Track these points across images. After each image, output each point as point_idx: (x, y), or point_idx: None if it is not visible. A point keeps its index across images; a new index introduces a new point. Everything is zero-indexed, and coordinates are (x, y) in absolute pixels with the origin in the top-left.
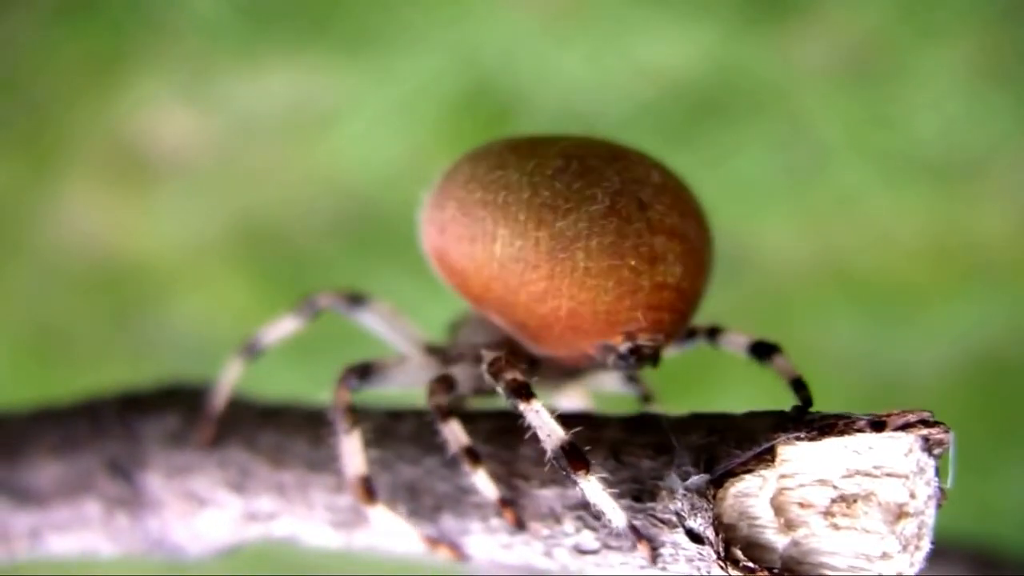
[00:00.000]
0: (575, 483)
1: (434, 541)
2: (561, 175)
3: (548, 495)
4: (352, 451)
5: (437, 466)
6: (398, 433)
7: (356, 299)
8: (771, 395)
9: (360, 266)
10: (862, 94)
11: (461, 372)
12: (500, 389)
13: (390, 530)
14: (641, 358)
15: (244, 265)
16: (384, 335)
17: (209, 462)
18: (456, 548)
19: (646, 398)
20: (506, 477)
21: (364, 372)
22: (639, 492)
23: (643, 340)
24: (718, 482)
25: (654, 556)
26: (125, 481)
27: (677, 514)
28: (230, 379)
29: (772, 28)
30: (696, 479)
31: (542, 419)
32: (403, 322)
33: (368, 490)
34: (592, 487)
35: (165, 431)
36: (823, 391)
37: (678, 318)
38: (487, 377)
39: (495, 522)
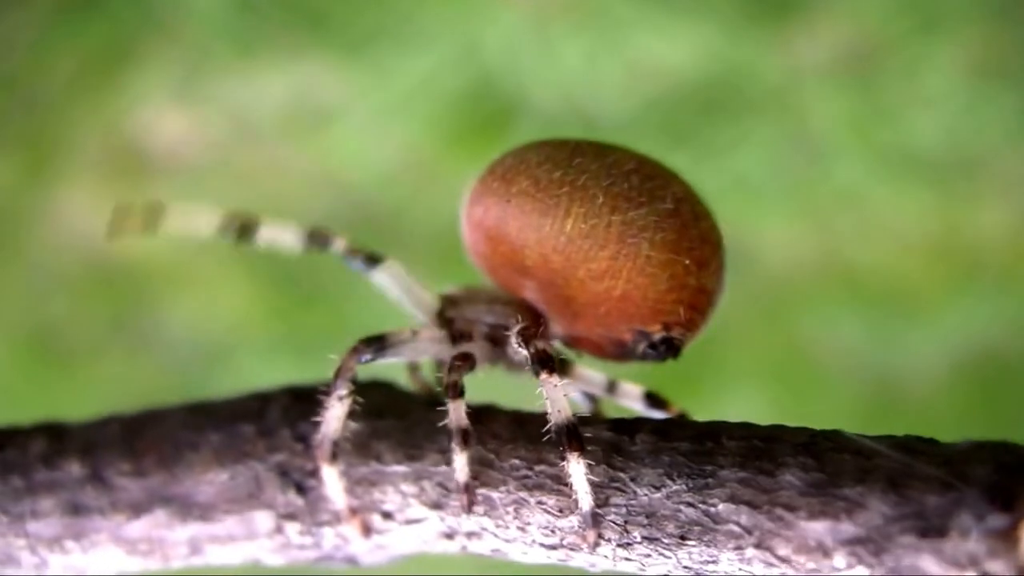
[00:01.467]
0: (566, 459)
1: (354, 511)
2: (635, 174)
3: (817, 528)
4: (338, 416)
5: (682, 490)
6: (631, 452)
7: (372, 259)
8: (769, 395)
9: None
10: (863, 91)
11: (478, 349)
12: (527, 355)
13: (329, 493)
14: (669, 348)
15: (241, 264)
16: (397, 297)
17: (399, 474)
18: (367, 524)
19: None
20: (767, 507)
21: (380, 346)
22: (924, 528)
23: (676, 333)
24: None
25: (595, 545)
26: (297, 492)
27: (971, 557)
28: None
29: (773, 25)
30: (995, 520)
31: (558, 394)
32: (415, 286)
33: (335, 454)
34: (578, 468)
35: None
36: (823, 387)
37: (704, 321)
38: (515, 342)
39: (750, 552)
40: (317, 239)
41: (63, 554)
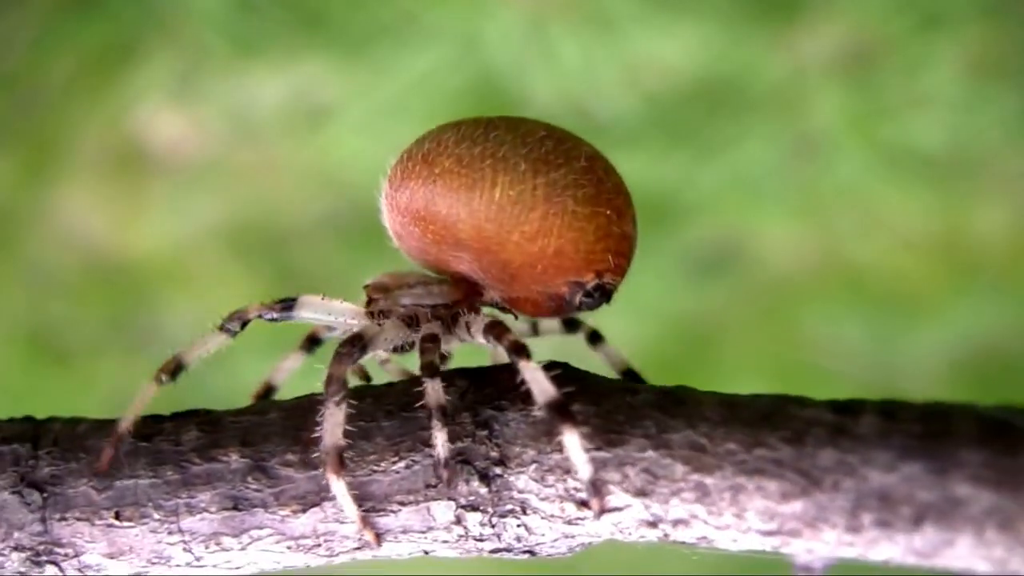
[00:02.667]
0: (560, 434)
1: (364, 520)
2: (548, 140)
3: None
4: (339, 423)
5: (919, 472)
6: (858, 433)
7: (286, 304)
8: (769, 384)
9: (355, 262)
10: (864, 90)
11: (439, 327)
12: (502, 348)
13: (340, 504)
14: (603, 295)
15: (240, 264)
16: (327, 321)
17: (598, 461)
18: (379, 535)
19: (594, 337)
20: (1011, 488)
21: (361, 345)
22: None
23: (607, 279)
24: None
25: (602, 511)
26: (480, 481)
27: None
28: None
29: (774, 24)
30: None
31: (538, 377)
32: (336, 303)
33: (342, 461)
34: (572, 440)
35: (524, 422)
36: (824, 386)
37: (628, 265)
38: (485, 338)
39: (991, 535)
40: (235, 324)
41: (221, 551)
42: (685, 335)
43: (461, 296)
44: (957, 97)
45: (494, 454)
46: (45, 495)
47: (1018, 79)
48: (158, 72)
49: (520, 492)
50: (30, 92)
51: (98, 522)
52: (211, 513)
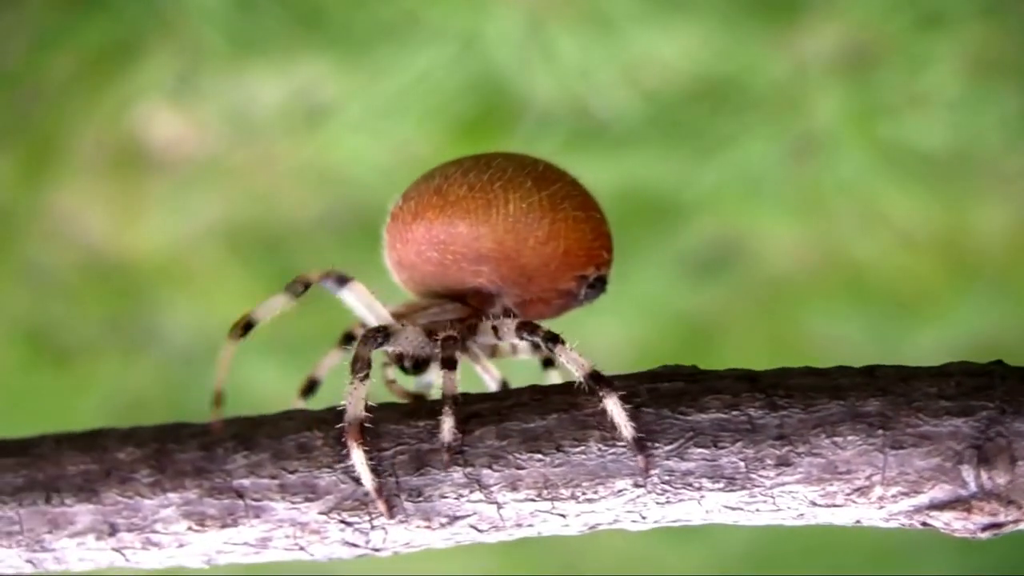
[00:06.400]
0: (602, 399)
1: (379, 491)
2: (539, 163)
3: None
4: (361, 397)
5: None
6: None
7: (341, 279)
8: None
9: (354, 262)
10: (864, 88)
11: (457, 333)
12: (538, 340)
13: (358, 472)
14: (602, 285)
15: (238, 264)
16: (363, 311)
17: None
18: (392, 504)
19: (548, 362)
20: None
21: (385, 335)
22: None
23: (604, 271)
24: None
25: (648, 468)
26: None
27: None
28: (226, 362)
29: (774, 22)
30: None
31: (573, 355)
32: (376, 302)
33: (363, 431)
34: (614, 402)
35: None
36: None
37: (612, 256)
38: (518, 335)
39: None
40: (297, 287)
41: None
42: (685, 334)
43: (471, 311)
44: (958, 96)
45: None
46: None
47: (1019, 78)
48: (157, 71)
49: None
50: (28, 91)
51: None
52: None
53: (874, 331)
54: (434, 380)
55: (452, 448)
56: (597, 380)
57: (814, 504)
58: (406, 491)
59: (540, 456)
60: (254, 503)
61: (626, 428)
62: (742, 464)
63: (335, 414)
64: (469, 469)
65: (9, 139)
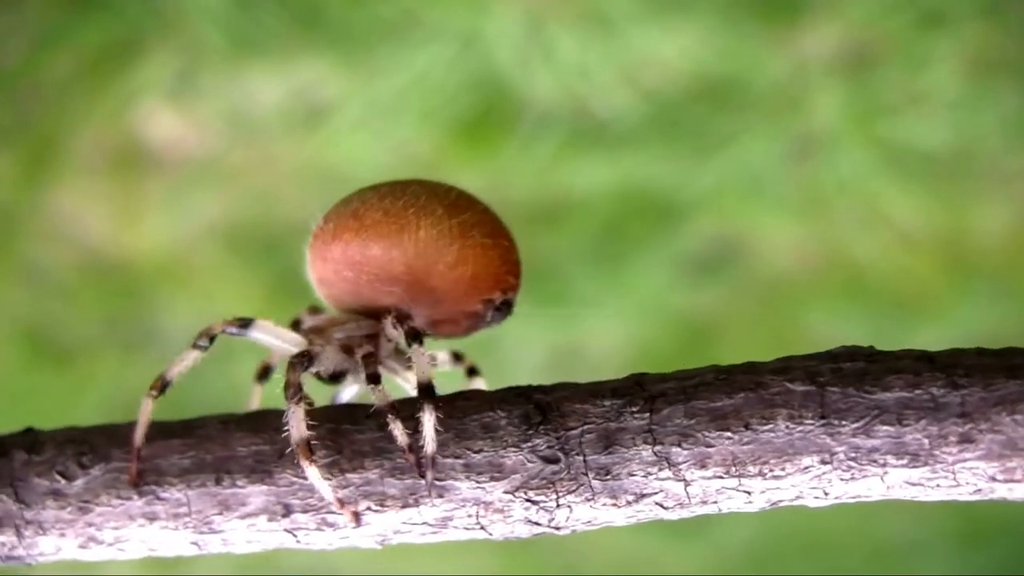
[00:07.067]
0: (423, 411)
1: (341, 502)
2: (451, 192)
3: None
4: (300, 419)
5: None
6: None
7: (244, 322)
8: None
9: None
10: (865, 87)
11: (373, 349)
12: (402, 332)
13: (317, 488)
14: (508, 308)
15: (237, 264)
16: (276, 344)
17: None
18: (358, 515)
19: (472, 371)
20: None
21: (309, 359)
22: None
23: (509, 295)
24: None
25: (431, 488)
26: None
27: None
28: (144, 419)
29: (775, 21)
30: None
31: (423, 361)
32: (284, 330)
33: (311, 449)
34: (430, 417)
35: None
36: None
37: (520, 283)
38: (392, 324)
39: None
40: (203, 341)
41: None
42: (685, 333)
43: (383, 328)
44: (958, 96)
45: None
46: None
47: (1019, 78)
48: (157, 70)
49: None
50: (28, 91)
51: None
52: None
53: (874, 330)
54: (354, 389)
55: (413, 447)
56: (428, 392)
57: (993, 479)
58: (594, 470)
59: (729, 434)
60: (437, 483)
61: (430, 444)
62: (926, 441)
63: (514, 394)
64: (658, 447)
65: (9, 139)
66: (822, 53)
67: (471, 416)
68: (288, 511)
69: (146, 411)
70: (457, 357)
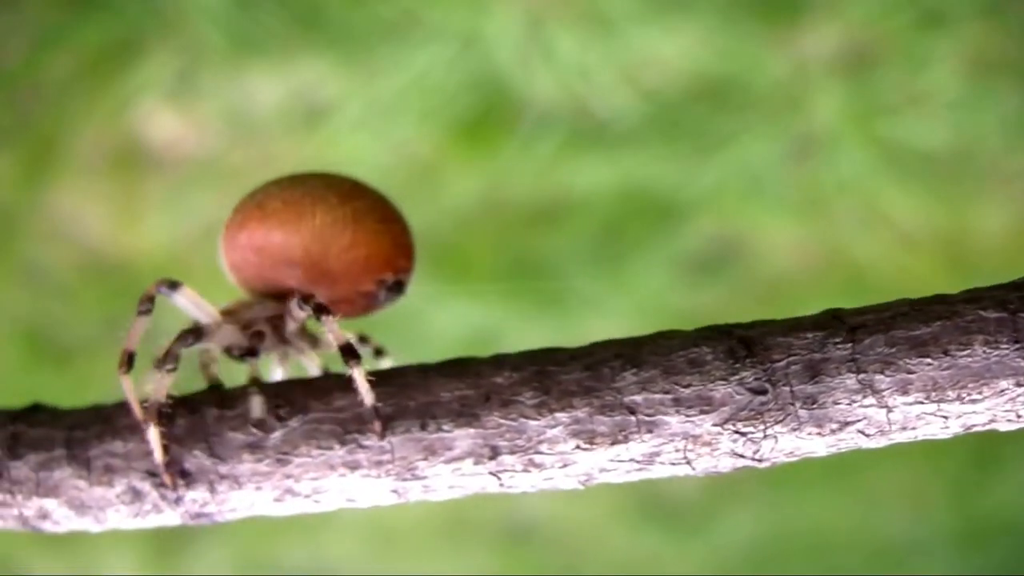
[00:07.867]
0: (351, 368)
1: (167, 465)
2: (345, 182)
3: None
4: (165, 386)
5: None
6: None
7: (173, 284)
8: None
9: None
10: (865, 87)
11: (267, 327)
12: (310, 309)
13: (152, 447)
14: (400, 288)
15: None
16: (194, 311)
17: None
18: (175, 479)
19: (379, 352)
20: None
21: (198, 334)
22: None
23: (401, 276)
24: None
25: (383, 433)
26: None
27: None
28: (132, 393)
29: (775, 20)
30: None
31: (334, 327)
32: (205, 303)
33: (161, 415)
34: (359, 372)
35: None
36: None
37: (413, 266)
38: (298, 305)
39: None
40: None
41: None
42: None
43: (286, 308)
44: (958, 96)
45: None
46: None
47: (1019, 78)
48: (157, 70)
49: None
50: (28, 91)
51: None
52: None
53: None
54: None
55: (260, 422)
56: (349, 352)
57: None
58: (800, 399)
59: (929, 360)
60: (647, 418)
61: (368, 396)
62: None
63: (715, 332)
64: (862, 375)
65: (9, 139)
66: (822, 53)
67: (677, 353)
68: (495, 453)
69: (128, 389)
70: (363, 339)
